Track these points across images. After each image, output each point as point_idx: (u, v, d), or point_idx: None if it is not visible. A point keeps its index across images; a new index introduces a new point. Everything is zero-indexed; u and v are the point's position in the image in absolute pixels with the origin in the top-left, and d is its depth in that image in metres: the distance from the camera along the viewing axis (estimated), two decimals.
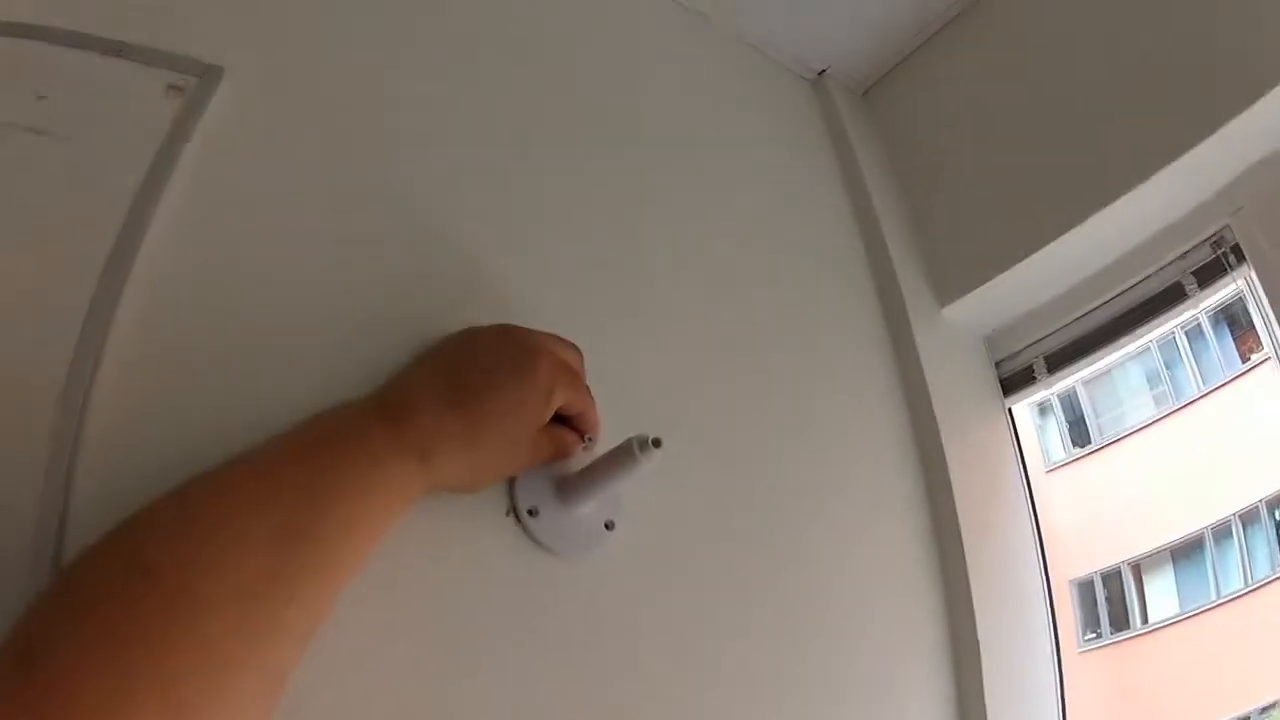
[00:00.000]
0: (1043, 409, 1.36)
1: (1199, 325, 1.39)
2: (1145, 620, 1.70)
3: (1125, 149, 0.87)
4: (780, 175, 1.00)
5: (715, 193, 0.89)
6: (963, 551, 0.82)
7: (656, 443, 0.52)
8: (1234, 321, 1.35)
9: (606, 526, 0.60)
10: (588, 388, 0.59)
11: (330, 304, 0.57)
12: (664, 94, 0.93)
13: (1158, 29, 0.88)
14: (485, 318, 0.59)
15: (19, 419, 0.44)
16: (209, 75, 0.58)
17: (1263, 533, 1.53)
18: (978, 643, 0.79)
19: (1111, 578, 1.66)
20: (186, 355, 0.51)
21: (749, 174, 0.96)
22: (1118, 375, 1.59)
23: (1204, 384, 1.47)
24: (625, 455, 0.54)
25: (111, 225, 0.51)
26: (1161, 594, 1.68)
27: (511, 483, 0.58)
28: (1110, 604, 1.66)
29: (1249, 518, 1.53)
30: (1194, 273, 0.92)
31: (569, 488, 0.59)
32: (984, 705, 0.76)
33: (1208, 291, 0.91)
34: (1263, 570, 1.57)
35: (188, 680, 0.36)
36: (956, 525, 0.83)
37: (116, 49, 0.56)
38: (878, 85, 1.16)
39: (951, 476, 0.84)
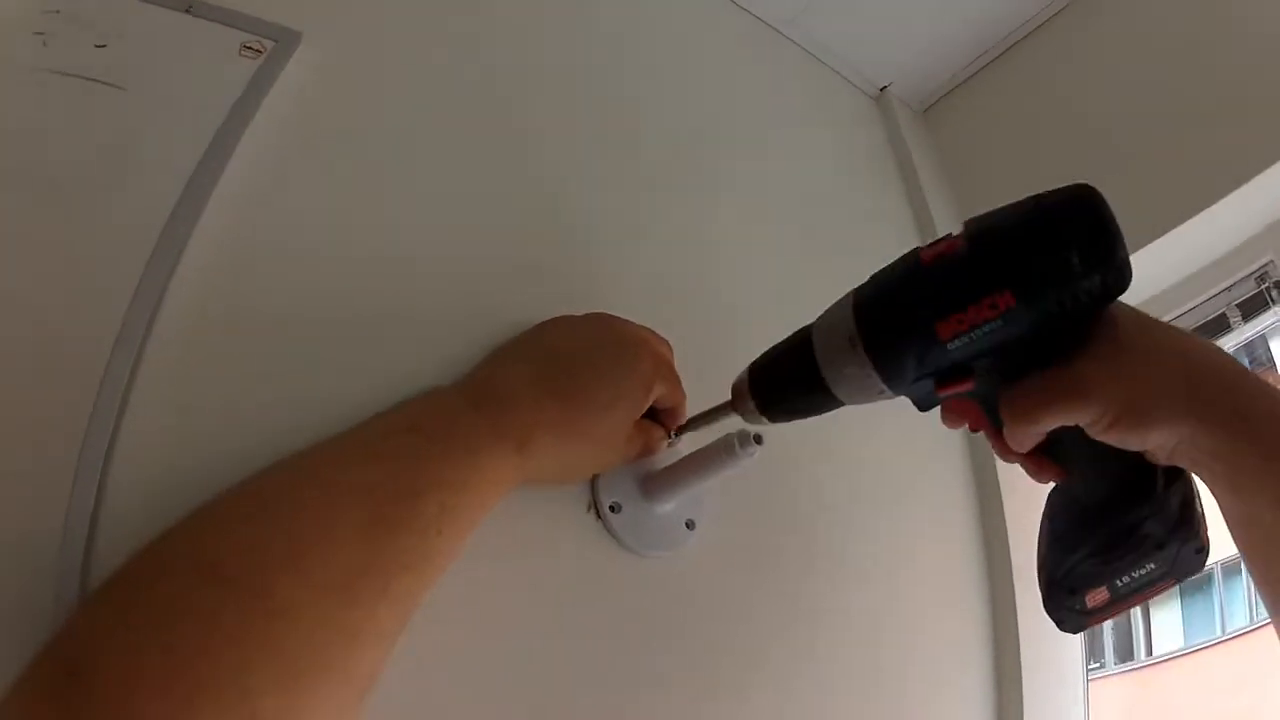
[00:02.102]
0: None
1: None
2: (1150, 652, 1.70)
3: (1176, 184, 0.88)
4: (845, 187, 1.00)
5: (783, 201, 0.89)
6: (1010, 559, 0.82)
7: (758, 439, 0.51)
8: (1255, 359, 1.37)
9: (688, 525, 0.59)
10: (680, 382, 0.57)
11: (402, 289, 0.54)
12: (736, 102, 0.93)
13: (1207, 70, 0.90)
14: (559, 310, 0.58)
15: (52, 409, 0.40)
16: (286, 39, 0.55)
17: None
18: (1019, 651, 0.79)
19: None
20: (244, 343, 0.46)
21: (816, 184, 0.96)
22: None
23: None
24: (724, 451, 0.52)
25: (171, 186, 0.46)
26: (1168, 627, 1.69)
27: (594, 478, 0.56)
28: (1116, 634, 1.66)
29: None
30: (1238, 305, 0.94)
31: (654, 484, 0.57)
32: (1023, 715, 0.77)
33: (1251, 324, 0.93)
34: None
35: (264, 694, 0.32)
36: (1005, 536, 0.83)
37: (185, 5, 0.52)
38: (938, 104, 1.18)
39: (1002, 488, 0.85)
